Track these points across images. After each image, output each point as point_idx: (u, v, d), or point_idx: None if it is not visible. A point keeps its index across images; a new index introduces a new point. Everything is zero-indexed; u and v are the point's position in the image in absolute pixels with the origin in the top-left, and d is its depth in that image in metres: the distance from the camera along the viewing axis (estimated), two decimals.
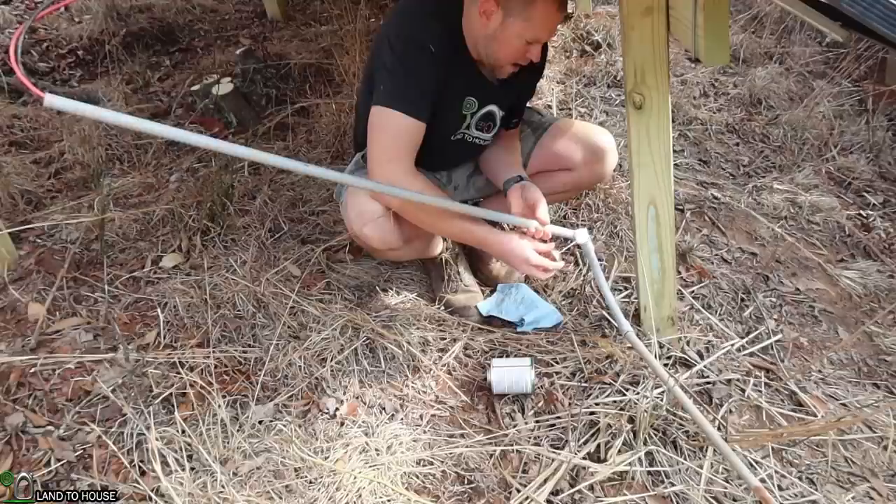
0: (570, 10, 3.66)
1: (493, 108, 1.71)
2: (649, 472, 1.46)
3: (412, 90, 1.50)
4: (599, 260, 2.11)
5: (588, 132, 1.86)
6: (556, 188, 1.89)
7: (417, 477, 1.45)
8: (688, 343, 1.78)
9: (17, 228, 2.13)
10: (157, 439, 1.44)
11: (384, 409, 1.61)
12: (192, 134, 1.07)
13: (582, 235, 1.69)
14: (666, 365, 1.70)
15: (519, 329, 1.87)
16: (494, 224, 1.85)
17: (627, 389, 1.60)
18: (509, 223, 1.81)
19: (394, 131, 1.50)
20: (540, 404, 1.63)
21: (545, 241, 1.65)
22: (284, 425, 1.54)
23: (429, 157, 1.77)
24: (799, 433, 1.53)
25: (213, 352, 1.70)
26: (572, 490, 1.41)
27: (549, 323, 1.87)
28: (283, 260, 2.03)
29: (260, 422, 1.55)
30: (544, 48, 1.68)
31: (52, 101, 0.92)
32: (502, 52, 1.54)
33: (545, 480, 1.43)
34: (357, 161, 1.81)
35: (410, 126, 1.51)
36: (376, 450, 1.49)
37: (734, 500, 1.40)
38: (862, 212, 2.49)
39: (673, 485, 1.42)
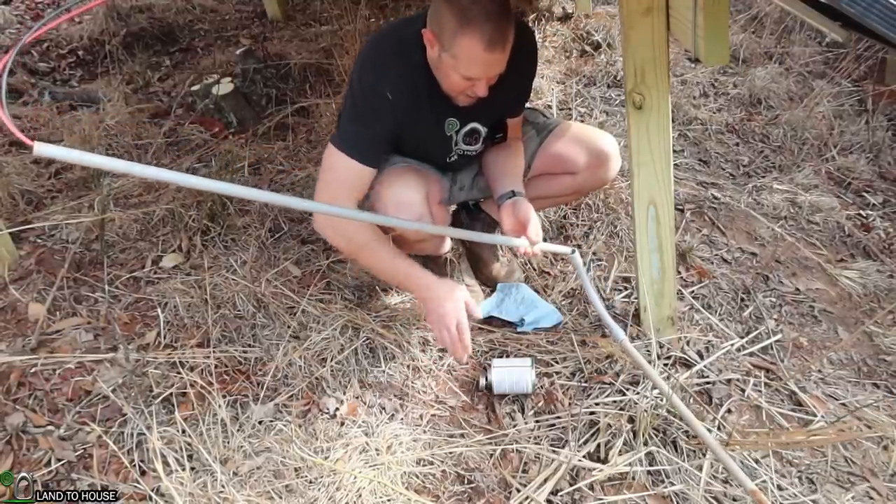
0: (569, 11, 3.67)
1: (475, 125, 1.70)
2: (649, 472, 1.46)
3: (363, 138, 1.53)
4: (595, 264, 2.11)
5: (593, 136, 1.84)
6: (559, 191, 1.89)
7: (417, 477, 1.45)
8: (688, 343, 1.79)
9: (17, 228, 2.13)
10: (157, 439, 1.44)
11: (384, 409, 1.61)
12: (186, 176, 1.03)
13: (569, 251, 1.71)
14: (666, 365, 1.70)
15: (519, 329, 1.87)
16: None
17: (627, 389, 1.61)
18: (499, 244, 1.81)
19: (341, 174, 1.53)
20: (540, 404, 1.63)
21: (535, 257, 1.65)
22: (284, 425, 1.54)
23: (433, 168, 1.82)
24: (798, 437, 1.53)
25: (214, 352, 1.70)
26: (572, 490, 1.41)
27: (549, 323, 1.87)
28: (283, 260, 2.04)
29: (260, 422, 1.55)
30: (528, 55, 1.64)
31: (41, 149, 0.89)
32: (446, 83, 1.53)
33: (545, 480, 1.43)
34: None
35: (357, 171, 1.53)
36: (376, 450, 1.49)
37: (734, 500, 1.40)
38: (862, 212, 2.49)
39: (673, 485, 1.43)
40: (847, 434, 1.56)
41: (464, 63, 1.42)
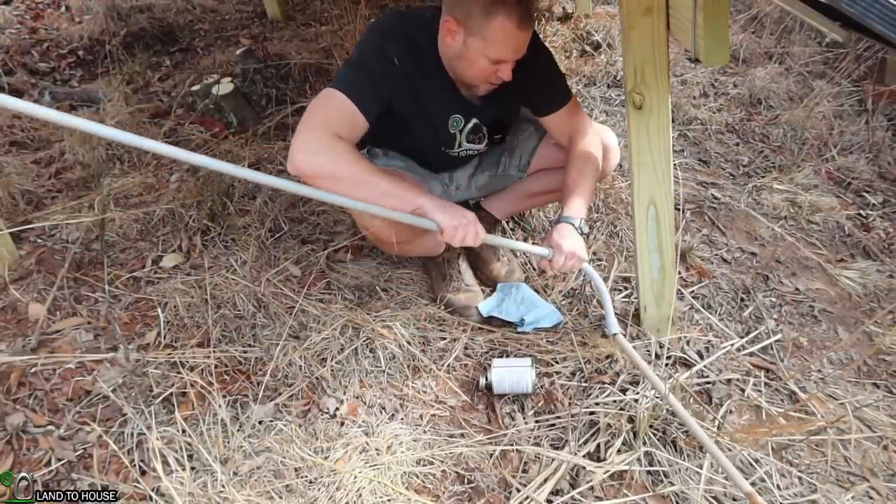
0: (570, 11, 3.67)
1: (476, 121, 1.73)
2: (649, 472, 1.46)
3: (362, 84, 1.48)
4: (595, 264, 2.11)
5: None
6: (560, 185, 1.89)
7: (417, 477, 1.45)
8: (688, 343, 1.79)
9: (17, 228, 2.13)
10: (157, 439, 1.44)
11: (384, 408, 1.61)
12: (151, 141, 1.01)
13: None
14: (666, 365, 1.70)
15: (519, 329, 1.87)
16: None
17: (627, 389, 1.61)
18: (521, 250, 1.84)
19: (334, 108, 1.45)
20: (540, 404, 1.63)
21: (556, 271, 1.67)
22: (284, 425, 1.54)
23: (432, 165, 1.85)
24: (795, 433, 1.53)
25: (214, 352, 1.71)
26: (572, 490, 1.41)
27: (549, 323, 1.87)
28: (284, 260, 2.04)
29: (260, 422, 1.55)
30: (536, 59, 1.64)
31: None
32: (470, 72, 1.53)
33: (545, 480, 1.43)
34: None
35: (351, 110, 1.45)
36: (376, 449, 1.49)
37: (734, 499, 1.40)
38: (862, 212, 2.49)
39: (672, 484, 1.43)
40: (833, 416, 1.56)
41: (495, 44, 1.44)
